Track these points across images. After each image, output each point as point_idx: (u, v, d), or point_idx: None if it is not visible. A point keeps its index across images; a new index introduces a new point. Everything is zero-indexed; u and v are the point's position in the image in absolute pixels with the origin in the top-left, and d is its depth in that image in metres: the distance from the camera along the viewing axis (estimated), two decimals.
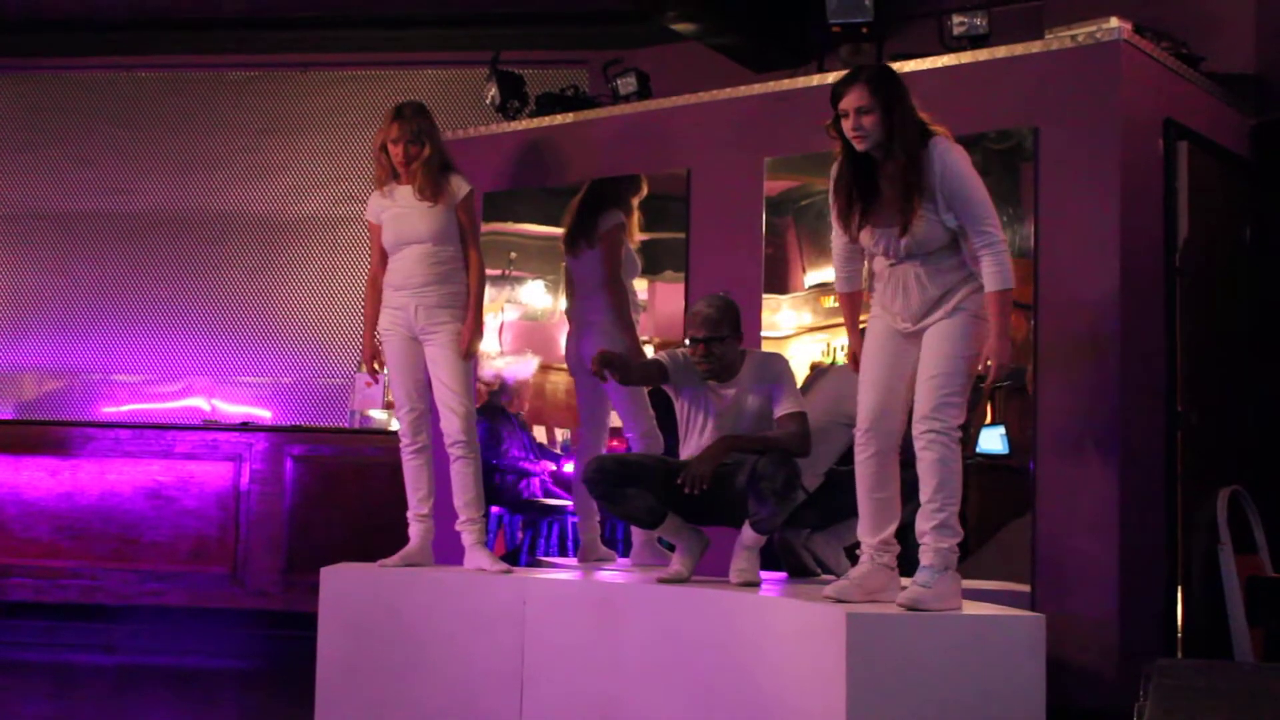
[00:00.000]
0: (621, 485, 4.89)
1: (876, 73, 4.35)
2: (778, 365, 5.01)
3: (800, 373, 5.78)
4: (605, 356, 4.91)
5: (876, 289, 4.43)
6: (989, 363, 4.22)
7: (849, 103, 4.28)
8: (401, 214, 5.44)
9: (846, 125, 4.29)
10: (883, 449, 4.35)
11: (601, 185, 6.17)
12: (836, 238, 4.50)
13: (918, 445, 4.23)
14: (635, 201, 6.09)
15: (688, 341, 5.00)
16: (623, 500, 4.91)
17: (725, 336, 4.94)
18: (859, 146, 4.30)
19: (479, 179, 5.91)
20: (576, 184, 6.25)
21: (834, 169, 4.43)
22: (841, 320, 4.70)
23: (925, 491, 4.23)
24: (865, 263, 4.52)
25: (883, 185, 4.31)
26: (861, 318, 4.60)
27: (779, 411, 4.90)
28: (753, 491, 4.73)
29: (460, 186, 5.46)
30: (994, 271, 4.20)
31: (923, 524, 4.24)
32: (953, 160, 4.24)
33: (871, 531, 4.38)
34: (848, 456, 4.52)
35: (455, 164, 5.55)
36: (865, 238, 4.37)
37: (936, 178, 4.22)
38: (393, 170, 5.47)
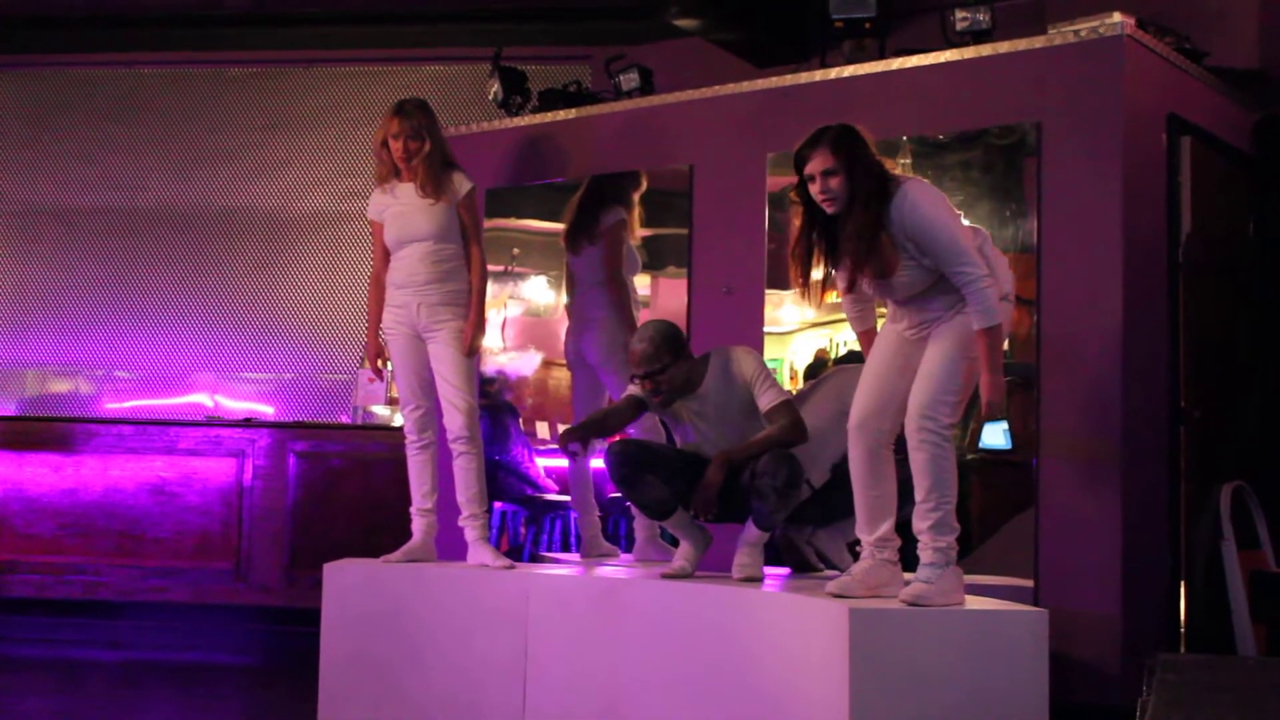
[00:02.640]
0: (642, 471, 4.89)
1: (838, 134, 4.28)
2: (744, 361, 4.96)
3: (800, 365, 5.79)
4: (565, 435, 4.93)
5: (888, 309, 4.45)
6: (986, 400, 4.20)
7: (814, 166, 4.25)
8: (403, 212, 5.44)
9: (814, 189, 4.27)
10: (873, 446, 4.35)
11: (602, 182, 6.16)
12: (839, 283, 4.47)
13: (910, 444, 4.24)
14: (636, 196, 6.09)
15: (635, 381, 4.99)
16: (640, 486, 4.91)
17: (666, 366, 4.91)
18: (830, 210, 4.26)
19: (481, 175, 5.91)
20: (579, 180, 6.25)
21: (794, 234, 4.39)
22: (844, 316, 4.69)
23: (919, 492, 4.23)
24: (873, 300, 4.53)
25: (845, 244, 4.28)
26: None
27: (763, 406, 4.88)
28: (754, 489, 4.74)
29: (462, 184, 5.46)
30: (977, 310, 4.15)
31: (919, 524, 4.25)
32: (916, 209, 4.18)
33: (868, 528, 4.38)
34: None
35: (457, 161, 5.55)
36: (864, 286, 4.37)
37: (905, 230, 4.19)
38: (394, 167, 5.46)
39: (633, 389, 5.06)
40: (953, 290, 4.23)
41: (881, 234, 4.21)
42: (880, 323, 4.55)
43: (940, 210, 4.22)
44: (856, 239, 4.20)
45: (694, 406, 4.97)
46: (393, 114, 5.42)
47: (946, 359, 4.23)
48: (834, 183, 4.23)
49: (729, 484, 4.81)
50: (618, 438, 4.96)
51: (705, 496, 4.79)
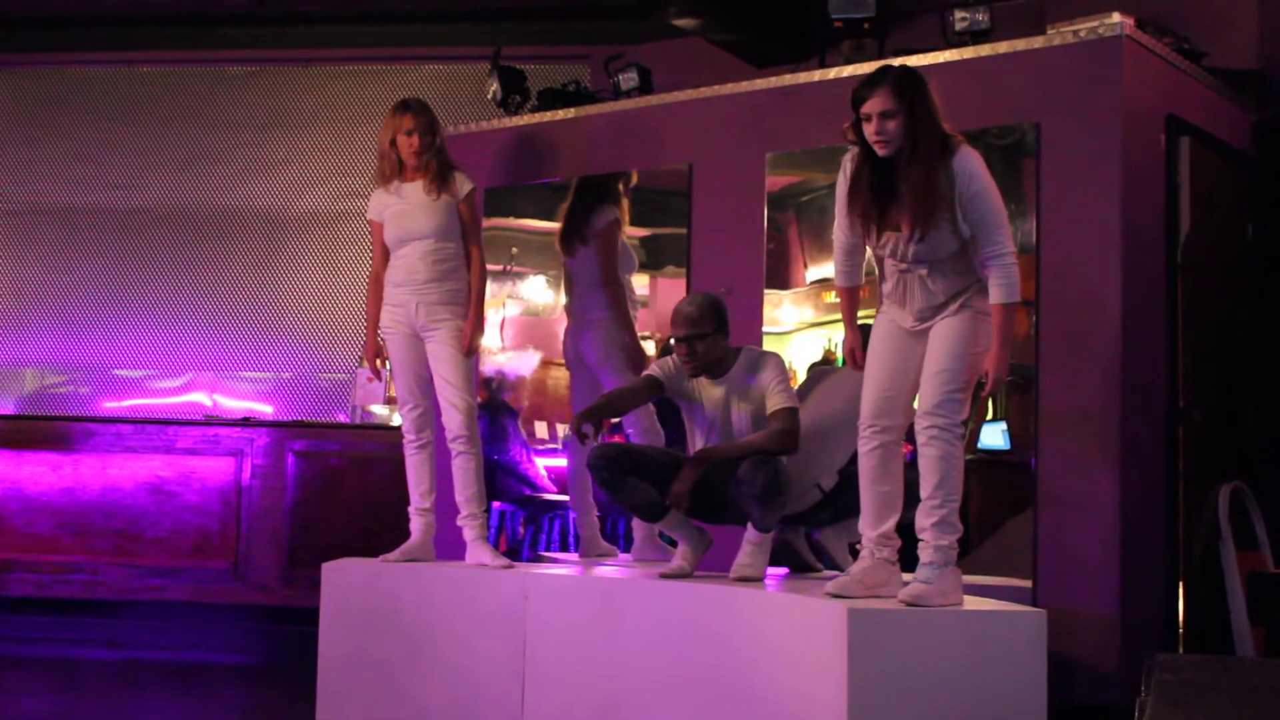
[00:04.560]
0: (624, 474, 4.89)
1: (901, 75, 4.23)
2: (767, 362, 4.98)
3: (800, 365, 5.78)
4: (579, 417, 4.90)
5: (884, 287, 4.42)
6: (987, 373, 4.23)
7: (873, 106, 4.18)
8: (405, 210, 5.44)
9: (869, 129, 4.20)
10: (885, 443, 4.35)
11: (590, 182, 6.17)
12: (840, 231, 4.45)
13: (920, 440, 4.24)
14: (623, 188, 6.09)
15: (673, 341, 5.00)
16: (624, 490, 4.91)
17: (707, 333, 4.93)
18: (881, 152, 4.21)
19: (480, 174, 5.92)
20: (577, 179, 6.25)
21: (850, 166, 4.33)
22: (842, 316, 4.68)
23: (926, 488, 4.23)
24: (865, 256, 4.51)
25: (899, 189, 4.23)
26: (861, 313, 4.61)
27: (768, 409, 4.89)
28: (737, 496, 4.75)
29: (463, 183, 5.48)
30: (1001, 284, 4.19)
31: (923, 520, 4.24)
32: (975, 171, 4.19)
33: (872, 524, 4.37)
34: None
35: (455, 162, 5.56)
36: (874, 239, 4.33)
37: (957, 188, 4.17)
38: (398, 165, 5.47)
39: (653, 369, 5.06)
40: (963, 275, 4.24)
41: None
42: (870, 319, 4.54)
43: (992, 180, 4.24)
44: (927, 185, 4.15)
45: (714, 391, 4.97)
46: (403, 111, 5.44)
47: (953, 355, 4.23)
48: (891, 125, 4.17)
49: (710, 482, 4.81)
50: (599, 441, 4.94)
51: (678, 488, 4.80)
